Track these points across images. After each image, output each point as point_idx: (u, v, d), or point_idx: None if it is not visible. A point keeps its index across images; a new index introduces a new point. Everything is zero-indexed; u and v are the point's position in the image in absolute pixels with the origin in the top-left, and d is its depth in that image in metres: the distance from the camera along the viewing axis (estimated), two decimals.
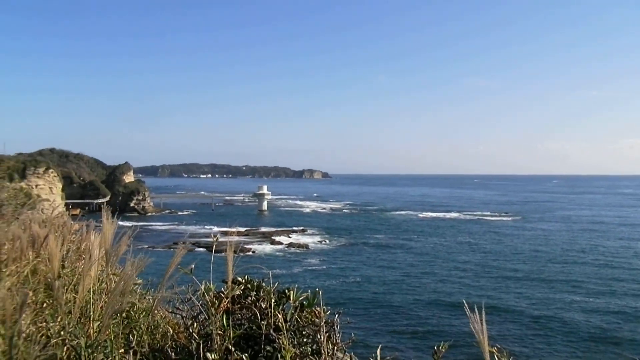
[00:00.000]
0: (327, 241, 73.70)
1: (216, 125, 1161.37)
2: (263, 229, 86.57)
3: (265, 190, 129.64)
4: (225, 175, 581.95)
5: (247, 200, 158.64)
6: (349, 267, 54.30)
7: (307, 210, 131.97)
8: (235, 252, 2.86)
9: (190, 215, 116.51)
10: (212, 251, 2.97)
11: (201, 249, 62.96)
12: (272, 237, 76.50)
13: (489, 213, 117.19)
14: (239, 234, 75.43)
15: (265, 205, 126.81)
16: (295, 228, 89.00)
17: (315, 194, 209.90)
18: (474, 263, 55.98)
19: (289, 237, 78.18)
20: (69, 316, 2.59)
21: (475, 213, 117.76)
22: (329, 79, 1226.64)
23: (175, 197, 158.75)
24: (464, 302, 2.15)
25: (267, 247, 68.50)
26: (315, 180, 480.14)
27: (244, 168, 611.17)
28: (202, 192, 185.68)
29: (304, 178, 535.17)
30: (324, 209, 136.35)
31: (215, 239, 3.11)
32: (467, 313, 2.12)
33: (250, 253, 61.90)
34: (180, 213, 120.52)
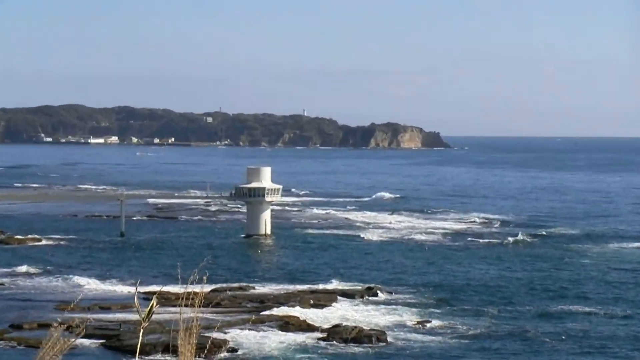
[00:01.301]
0: (436, 322, 75.34)
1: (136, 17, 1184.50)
2: (260, 289, 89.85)
3: (265, 180, 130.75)
4: (158, 140, 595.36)
5: (214, 210, 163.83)
6: None
7: (373, 236, 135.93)
8: (198, 353, 3.02)
9: (61, 247, 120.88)
10: (135, 350, 3.22)
11: (96, 342, 64.33)
12: (283, 309, 78.49)
13: None
14: (195, 300, 76.67)
15: (265, 222, 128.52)
16: (343, 285, 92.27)
17: (393, 194, 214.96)
18: None
19: (332, 307, 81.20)
20: None
21: None
22: None
23: (17, 197, 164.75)
24: None
25: (274, 338, 70.11)
26: (402, 152, 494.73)
27: (209, 121, 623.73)
28: (92, 186, 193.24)
29: (372, 147, 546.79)
30: (419, 230, 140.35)
31: (143, 315, 4.04)
32: None
33: (228, 355, 63.69)
34: (31, 243, 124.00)
